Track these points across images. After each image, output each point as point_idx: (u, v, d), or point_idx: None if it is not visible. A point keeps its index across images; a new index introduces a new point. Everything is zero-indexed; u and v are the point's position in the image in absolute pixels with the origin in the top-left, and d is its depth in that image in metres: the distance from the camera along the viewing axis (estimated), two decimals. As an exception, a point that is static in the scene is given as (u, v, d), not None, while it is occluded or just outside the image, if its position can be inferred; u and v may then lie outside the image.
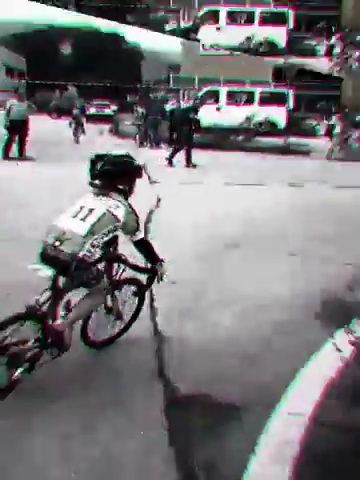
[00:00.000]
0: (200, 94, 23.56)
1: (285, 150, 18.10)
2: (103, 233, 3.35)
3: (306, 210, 8.33)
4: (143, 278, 3.76)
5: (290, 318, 4.26)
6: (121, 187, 3.55)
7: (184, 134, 13.63)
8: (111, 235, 3.42)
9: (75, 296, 3.45)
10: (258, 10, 28.44)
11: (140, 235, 3.57)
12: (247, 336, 3.98)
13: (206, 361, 3.59)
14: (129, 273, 3.74)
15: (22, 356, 3.20)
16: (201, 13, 28.96)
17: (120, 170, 3.56)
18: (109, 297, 3.74)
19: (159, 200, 8.73)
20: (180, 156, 13.64)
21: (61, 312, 3.41)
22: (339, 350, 3.21)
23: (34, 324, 3.25)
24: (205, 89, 23.84)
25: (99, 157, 3.58)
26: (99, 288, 3.48)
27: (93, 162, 3.57)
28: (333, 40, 28.76)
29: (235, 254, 5.98)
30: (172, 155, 13.66)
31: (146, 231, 6.82)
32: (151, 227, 7.05)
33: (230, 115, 21.04)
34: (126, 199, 3.55)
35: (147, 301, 4.18)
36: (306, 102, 30.55)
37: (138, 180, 3.67)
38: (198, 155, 13.80)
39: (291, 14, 28.61)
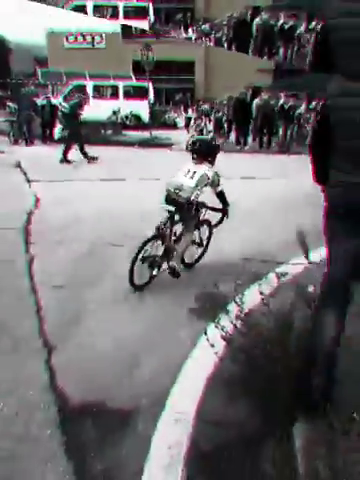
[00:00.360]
0: (68, 88, 22.72)
1: (152, 143, 18.06)
2: (202, 186, 5.02)
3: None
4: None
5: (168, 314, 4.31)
6: (209, 158, 5.17)
7: (75, 130, 12.88)
8: (204, 188, 5.06)
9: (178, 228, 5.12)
10: (121, 4, 28.04)
11: (220, 188, 5.18)
12: (130, 335, 3.97)
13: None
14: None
15: (156, 262, 4.95)
16: (69, 8, 28.10)
17: (208, 148, 5.24)
18: (196, 232, 5.37)
19: (38, 200, 8.37)
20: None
21: (172, 237, 5.07)
22: (212, 345, 3.23)
23: (160, 243, 4.95)
24: (72, 83, 23.09)
25: (197, 140, 5.50)
26: (193, 224, 5.19)
27: (193, 143, 5.33)
28: (190, 32, 29.07)
29: (118, 252, 5.89)
30: (66, 152, 12.69)
31: (27, 233, 6.54)
32: (32, 228, 6.77)
33: (98, 109, 20.59)
34: (212, 166, 5.16)
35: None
36: (165, 95, 30.84)
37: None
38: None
39: (151, 7, 28.49)
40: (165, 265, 5.01)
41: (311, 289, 4.11)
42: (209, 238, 5.60)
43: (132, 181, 10.38)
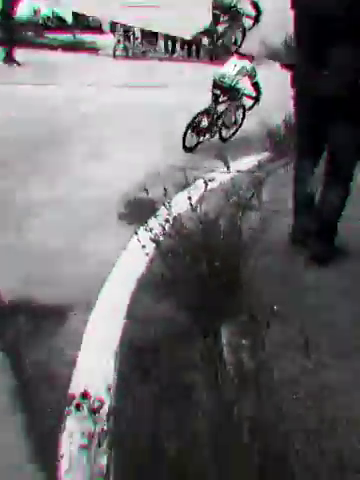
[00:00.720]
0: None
1: (76, 47, 16.82)
2: (241, 75, 6.40)
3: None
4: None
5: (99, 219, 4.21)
6: (249, 56, 6.65)
7: (8, 28, 11.69)
8: (244, 77, 6.47)
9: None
10: None
11: (256, 79, 6.55)
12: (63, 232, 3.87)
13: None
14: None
15: (201, 132, 6.28)
16: None
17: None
18: (233, 113, 6.63)
19: None
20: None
21: (216, 114, 6.44)
22: (143, 246, 3.19)
23: (208, 115, 6.33)
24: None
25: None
26: (232, 105, 6.55)
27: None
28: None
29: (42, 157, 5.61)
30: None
31: None
32: None
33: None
34: (251, 62, 6.60)
35: None
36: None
37: None
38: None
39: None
40: (208, 135, 6.39)
41: (238, 195, 4.17)
42: (243, 119, 6.81)
43: (61, 86, 9.78)
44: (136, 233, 3.18)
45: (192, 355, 2.57)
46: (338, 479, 1.68)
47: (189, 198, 3.55)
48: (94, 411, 1.90)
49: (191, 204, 3.46)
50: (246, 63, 6.48)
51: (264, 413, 1.93)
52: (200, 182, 3.87)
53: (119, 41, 16.21)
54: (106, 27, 22.35)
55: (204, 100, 6.52)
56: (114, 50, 15.91)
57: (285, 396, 2.09)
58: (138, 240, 3.13)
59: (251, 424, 1.85)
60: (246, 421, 1.87)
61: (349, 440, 1.78)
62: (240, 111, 6.77)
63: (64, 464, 1.96)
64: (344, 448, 1.73)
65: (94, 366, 2.57)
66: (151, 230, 3.20)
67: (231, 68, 6.42)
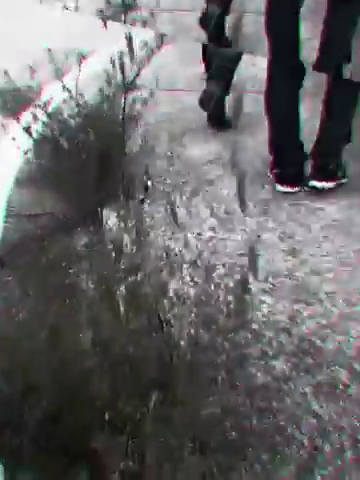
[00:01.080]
0: None
1: None
2: None
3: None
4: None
5: None
6: None
7: None
8: None
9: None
10: None
11: None
12: None
13: None
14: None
15: None
16: None
17: None
18: None
19: None
20: None
21: None
22: (13, 138, 2.97)
23: None
24: None
25: None
26: None
27: None
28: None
29: None
30: None
31: None
32: None
33: None
34: None
35: None
36: None
37: None
38: None
39: None
40: None
41: (121, 76, 3.98)
42: None
43: None
44: (2, 126, 2.95)
45: (75, 245, 2.54)
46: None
47: (62, 81, 3.33)
48: None
49: (64, 86, 3.25)
50: None
51: (142, 290, 1.95)
52: (76, 67, 3.62)
53: None
54: None
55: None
56: None
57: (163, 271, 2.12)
58: (7, 133, 2.94)
59: (127, 299, 1.87)
60: (123, 298, 1.89)
61: (219, 307, 1.82)
62: None
63: None
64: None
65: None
66: (20, 120, 2.97)
67: None
